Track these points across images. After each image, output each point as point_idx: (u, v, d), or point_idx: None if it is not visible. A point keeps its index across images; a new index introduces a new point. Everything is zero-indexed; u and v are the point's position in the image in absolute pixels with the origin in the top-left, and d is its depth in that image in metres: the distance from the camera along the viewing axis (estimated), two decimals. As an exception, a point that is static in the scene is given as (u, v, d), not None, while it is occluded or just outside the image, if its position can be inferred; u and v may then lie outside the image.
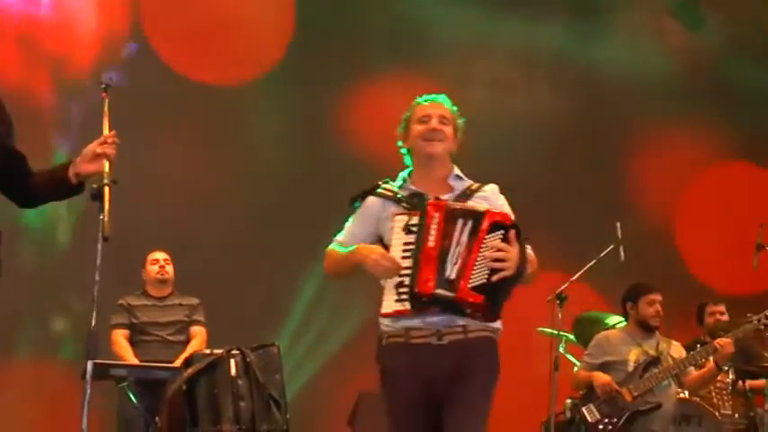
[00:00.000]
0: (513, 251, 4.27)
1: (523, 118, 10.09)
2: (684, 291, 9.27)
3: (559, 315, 7.78)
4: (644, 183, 10.45)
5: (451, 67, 10.00)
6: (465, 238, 4.28)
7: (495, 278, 4.25)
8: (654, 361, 7.36)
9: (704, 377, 7.47)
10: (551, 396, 7.45)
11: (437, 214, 4.30)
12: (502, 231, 4.30)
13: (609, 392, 7.27)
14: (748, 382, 7.80)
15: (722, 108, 10.15)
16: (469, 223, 4.29)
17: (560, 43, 10.18)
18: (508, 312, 4.36)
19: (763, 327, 7.42)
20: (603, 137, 10.15)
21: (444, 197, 4.46)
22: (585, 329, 8.19)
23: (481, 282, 4.26)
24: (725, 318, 8.35)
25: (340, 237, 4.61)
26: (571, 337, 8.27)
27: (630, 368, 7.35)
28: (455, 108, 4.69)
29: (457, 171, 4.63)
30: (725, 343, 7.31)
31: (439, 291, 4.24)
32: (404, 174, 4.64)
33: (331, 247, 4.59)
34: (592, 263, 7.98)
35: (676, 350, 7.51)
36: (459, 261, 4.26)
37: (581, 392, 7.46)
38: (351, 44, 9.97)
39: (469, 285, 4.24)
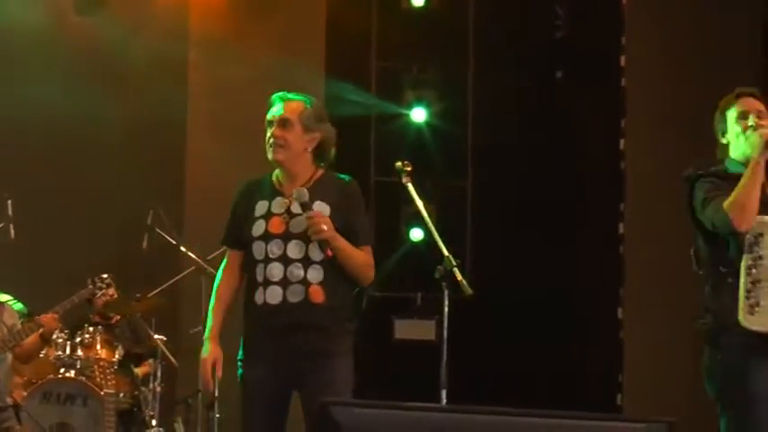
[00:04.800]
0: None
1: None
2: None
3: None
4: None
5: None
6: None
7: None
8: None
9: (31, 349, 7.42)
10: None
11: None
12: None
13: None
14: (134, 363, 7.94)
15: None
16: None
17: None
18: None
19: (98, 291, 7.55)
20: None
21: None
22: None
23: None
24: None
25: None
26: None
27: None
28: None
29: None
30: (48, 319, 7.28)
31: None
32: None
33: None
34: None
35: (10, 317, 7.43)
36: None
37: None
38: None
39: None
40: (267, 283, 5.10)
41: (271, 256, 5.11)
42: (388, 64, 10.11)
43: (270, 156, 5.26)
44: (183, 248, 8.39)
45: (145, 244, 8.36)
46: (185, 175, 10.14)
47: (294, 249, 5.11)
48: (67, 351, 7.76)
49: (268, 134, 5.27)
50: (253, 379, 5.16)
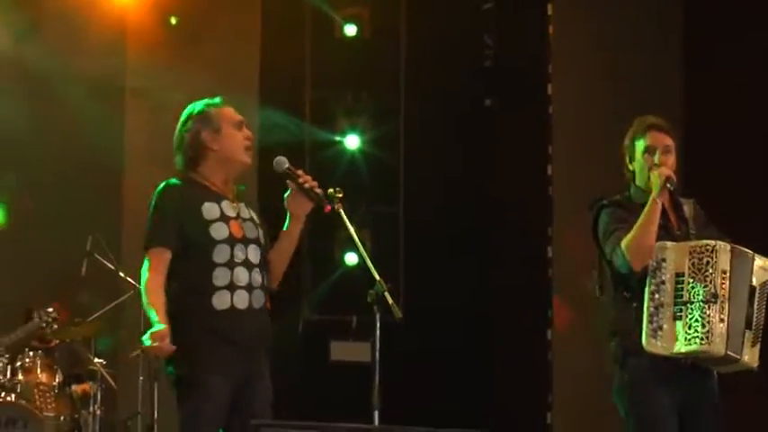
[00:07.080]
0: None
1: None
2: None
3: None
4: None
5: None
6: None
7: None
8: None
9: None
10: None
11: None
12: None
13: None
14: (74, 387, 7.99)
15: None
16: None
17: None
18: None
19: (45, 324, 7.65)
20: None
21: None
22: None
23: None
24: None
25: None
26: None
27: None
28: None
29: None
30: None
31: None
32: None
33: None
34: None
35: None
36: None
37: None
38: None
39: None
40: (234, 287, 4.97)
41: (236, 260, 4.99)
42: (322, 92, 10.24)
43: (247, 158, 5.25)
44: (121, 274, 8.49)
45: (84, 269, 8.45)
46: (123, 201, 10.23)
47: (254, 254, 5.06)
48: (8, 375, 7.82)
49: (241, 135, 5.26)
50: (212, 390, 4.92)
